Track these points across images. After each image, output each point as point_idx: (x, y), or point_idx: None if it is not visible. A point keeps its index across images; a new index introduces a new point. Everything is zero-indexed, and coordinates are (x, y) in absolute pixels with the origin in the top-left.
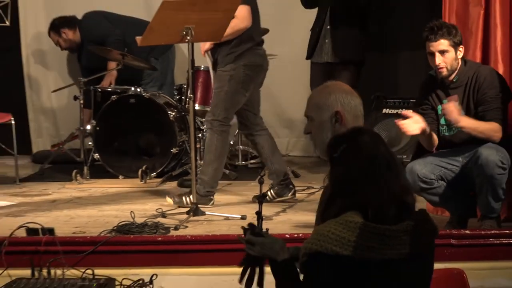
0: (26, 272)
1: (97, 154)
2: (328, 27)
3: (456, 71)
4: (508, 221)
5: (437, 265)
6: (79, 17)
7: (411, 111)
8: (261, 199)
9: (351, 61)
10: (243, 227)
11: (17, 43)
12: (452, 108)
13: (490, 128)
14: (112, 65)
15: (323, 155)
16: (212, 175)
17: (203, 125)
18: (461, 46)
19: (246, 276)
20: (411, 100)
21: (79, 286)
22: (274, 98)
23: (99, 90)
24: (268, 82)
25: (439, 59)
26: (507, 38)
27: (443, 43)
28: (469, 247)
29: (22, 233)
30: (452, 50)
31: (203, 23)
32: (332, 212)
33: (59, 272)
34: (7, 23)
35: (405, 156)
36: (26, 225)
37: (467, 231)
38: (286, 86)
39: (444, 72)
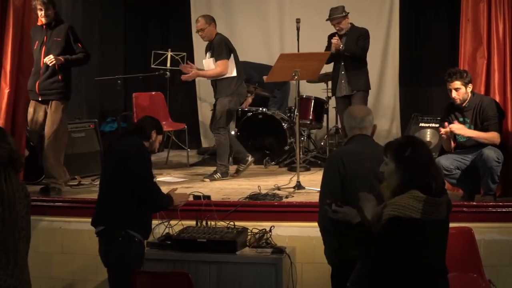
0: (192, 223)
1: None
2: (343, 72)
3: (468, 100)
4: (501, 197)
5: (453, 224)
6: None
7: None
8: None
9: (360, 90)
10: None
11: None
12: (458, 127)
13: (492, 136)
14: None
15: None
16: (227, 160)
17: (304, 132)
18: (470, 84)
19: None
20: (437, 118)
21: (225, 232)
22: None
23: (240, 110)
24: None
25: (454, 93)
26: (501, 78)
27: (456, 83)
28: (475, 213)
29: (190, 198)
30: (463, 87)
31: (305, 68)
32: (403, 190)
33: (213, 223)
34: None
35: (434, 154)
36: (193, 193)
37: (474, 203)
38: None
39: (457, 101)
